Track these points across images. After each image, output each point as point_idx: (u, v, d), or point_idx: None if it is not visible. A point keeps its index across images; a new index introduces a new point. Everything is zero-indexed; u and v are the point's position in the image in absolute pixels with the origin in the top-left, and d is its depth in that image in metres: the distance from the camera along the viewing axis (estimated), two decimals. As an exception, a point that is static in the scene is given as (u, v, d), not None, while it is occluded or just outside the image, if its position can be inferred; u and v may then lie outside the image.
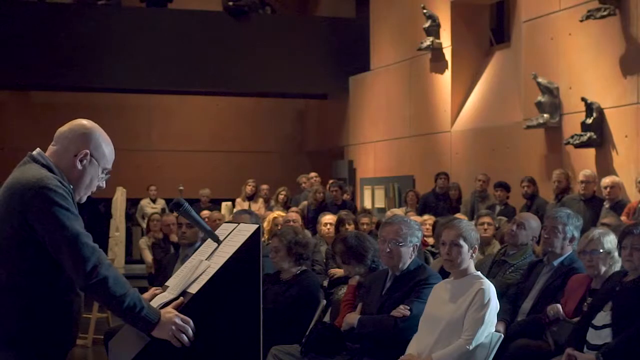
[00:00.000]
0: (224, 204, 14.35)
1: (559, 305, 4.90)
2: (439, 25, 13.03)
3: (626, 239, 4.54)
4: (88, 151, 3.00)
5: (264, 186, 13.47)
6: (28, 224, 2.85)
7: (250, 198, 13.28)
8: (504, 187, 10.41)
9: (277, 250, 5.70)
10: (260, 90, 16.88)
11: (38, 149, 3.04)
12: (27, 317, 2.88)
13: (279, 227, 7.54)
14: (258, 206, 12.94)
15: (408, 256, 4.75)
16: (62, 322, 2.96)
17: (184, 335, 2.91)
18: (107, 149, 3.06)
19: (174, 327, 2.90)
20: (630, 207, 8.18)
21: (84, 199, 3.08)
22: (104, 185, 3.11)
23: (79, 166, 2.99)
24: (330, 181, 12.69)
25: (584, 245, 4.90)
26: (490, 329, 4.25)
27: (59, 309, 2.94)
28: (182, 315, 2.94)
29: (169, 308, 2.98)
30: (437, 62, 13.20)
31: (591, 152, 9.72)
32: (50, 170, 2.95)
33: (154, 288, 3.27)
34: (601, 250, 4.81)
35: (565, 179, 9.31)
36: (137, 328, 2.95)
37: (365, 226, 8.42)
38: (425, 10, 13.02)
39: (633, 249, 4.47)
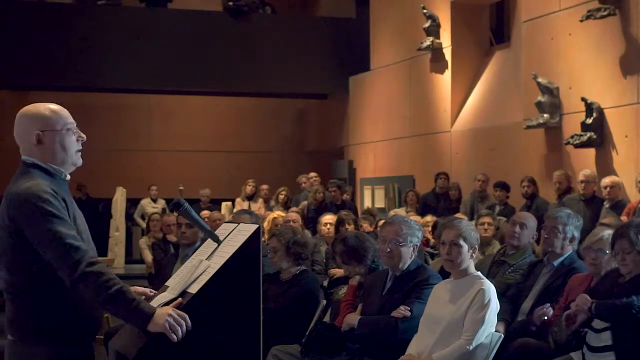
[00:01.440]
0: (224, 204, 14.34)
1: (547, 306, 4.87)
2: (439, 25, 13.03)
3: (617, 243, 4.51)
4: (38, 131, 3.06)
5: (264, 186, 13.46)
6: (23, 232, 2.95)
7: (250, 198, 13.27)
8: (503, 187, 10.40)
9: (276, 250, 5.70)
10: (260, 90, 16.88)
11: (23, 156, 3.12)
12: (50, 313, 2.96)
13: (279, 227, 7.54)
14: (258, 206, 12.94)
15: (408, 256, 4.75)
16: (85, 313, 3.02)
17: (179, 329, 2.91)
18: (50, 112, 3.10)
19: (170, 320, 2.90)
20: (630, 207, 8.18)
21: (79, 161, 3.15)
22: (84, 137, 3.16)
23: (43, 147, 3.06)
24: (330, 181, 12.68)
25: (592, 242, 4.86)
26: (490, 329, 4.25)
27: (78, 301, 2.99)
28: (177, 310, 2.95)
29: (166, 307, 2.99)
30: (437, 62, 13.20)
31: (591, 152, 9.72)
32: (38, 166, 3.05)
33: (148, 289, 3.28)
34: (607, 252, 4.78)
35: (565, 180, 9.31)
36: (132, 323, 2.97)
37: (367, 228, 8.43)
38: (425, 10, 13.02)
39: (624, 253, 4.45)
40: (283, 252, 5.68)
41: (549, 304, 4.89)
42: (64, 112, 3.13)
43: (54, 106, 3.13)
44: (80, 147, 3.15)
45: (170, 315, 2.91)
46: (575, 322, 4.42)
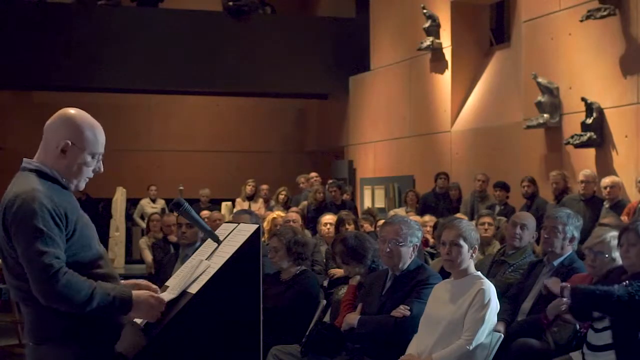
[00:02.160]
0: (224, 204, 14.35)
1: (562, 284, 4.79)
2: (439, 25, 13.03)
3: (623, 235, 4.51)
4: (69, 141, 2.99)
5: (264, 186, 13.46)
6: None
7: (250, 198, 13.28)
8: (503, 187, 10.41)
9: (277, 250, 5.71)
10: (260, 90, 16.87)
11: (24, 159, 3.06)
12: (71, 315, 2.91)
13: (279, 227, 7.54)
14: (258, 206, 12.94)
15: (408, 256, 4.76)
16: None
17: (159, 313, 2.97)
18: (90, 133, 3.03)
19: (155, 312, 2.96)
20: (630, 207, 8.18)
21: (82, 186, 3.10)
22: (101, 169, 3.10)
23: (63, 156, 3.00)
24: (329, 181, 12.69)
25: (593, 243, 4.84)
26: (490, 329, 4.25)
27: None
28: (153, 294, 2.99)
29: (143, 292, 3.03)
30: (437, 62, 13.20)
31: (591, 152, 9.72)
32: (40, 172, 2.98)
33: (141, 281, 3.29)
34: (607, 256, 4.77)
35: (562, 180, 9.31)
36: (117, 312, 2.97)
37: (368, 227, 8.42)
38: (425, 10, 13.02)
39: (629, 245, 4.44)
40: (284, 251, 5.68)
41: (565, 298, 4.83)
42: (102, 138, 3.06)
43: (97, 126, 3.06)
44: (92, 176, 3.10)
45: (150, 301, 2.96)
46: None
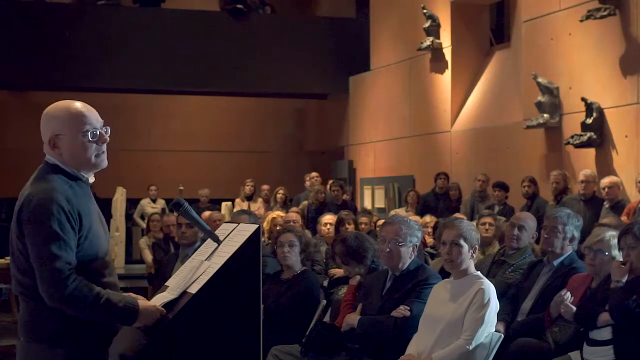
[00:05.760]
0: (224, 204, 14.34)
1: (564, 291, 4.82)
2: (439, 25, 13.03)
3: (622, 239, 4.53)
4: (50, 134, 3.00)
5: (265, 186, 13.45)
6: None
7: (249, 198, 13.26)
8: (502, 187, 10.40)
9: (292, 245, 5.69)
10: (260, 90, 16.87)
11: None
12: (64, 316, 2.91)
13: (278, 228, 7.54)
14: (257, 206, 12.93)
15: (408, 256, 4.76)
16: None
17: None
18: (67, 115, 2.99)
19: (156, 317, 2.97)
20: (630, 207, 8.18)
21: (103, 163, 3.06)
22: (107, 139, 3.06)
23: (58, 151, 3.00)
24: (331, 181, 12.67)
25: (592, 242, 4.85)
26: (490, 329, 4.25)
27: None
28: (159, 308, 3.01)
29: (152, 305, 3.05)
30: (437, 62, 13.20)
31: (591, 152, 9.72)
32: (58, 168, 2.98)
33: None
34: (606, 254, 4.77)
35: (563, 180, 9.30)
36: (121, 322, 2.98)
37: (363, 226, 8.40)
38: (425, 10, 13.02)
39: (629, 248, 4.45)
40: (299, 248, 5.69)
41: (565, 290, 4.85)
42: (86, 114, 3.00)
43: (75, 108, 3.00)
44: (103, 150, 3.06)
45: (158, 310, 2.99)
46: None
